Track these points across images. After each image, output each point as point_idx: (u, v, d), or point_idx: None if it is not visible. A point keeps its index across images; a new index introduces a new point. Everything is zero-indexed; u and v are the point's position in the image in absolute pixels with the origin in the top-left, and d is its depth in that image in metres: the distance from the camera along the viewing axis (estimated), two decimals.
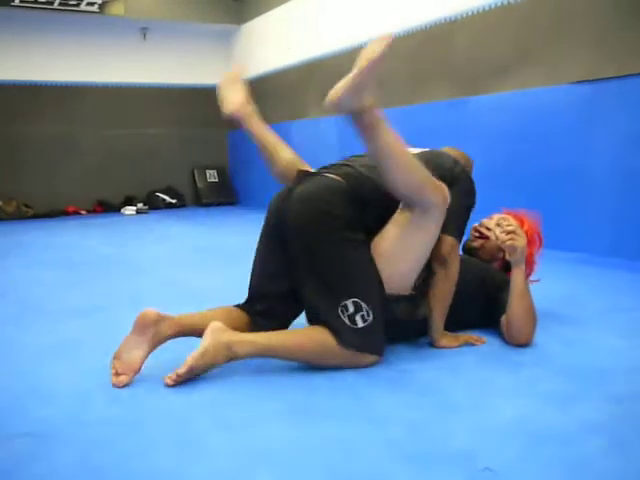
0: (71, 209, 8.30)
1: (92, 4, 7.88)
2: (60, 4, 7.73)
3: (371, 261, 2.02)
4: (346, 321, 1.94)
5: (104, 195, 8.63)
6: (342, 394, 1.80)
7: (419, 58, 5.52)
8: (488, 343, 2.24)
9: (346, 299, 1.94)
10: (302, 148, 8.39)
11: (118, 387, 1.87)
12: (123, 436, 1.56)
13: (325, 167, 2.21)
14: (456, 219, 2.16)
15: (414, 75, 5.57)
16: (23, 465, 1.42)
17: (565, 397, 1.74)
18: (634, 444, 1.45)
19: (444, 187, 1.99)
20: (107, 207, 8.53)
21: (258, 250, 2.27)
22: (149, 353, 1.96)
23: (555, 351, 2.15)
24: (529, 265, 2.49)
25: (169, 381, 1.87)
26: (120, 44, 8.70)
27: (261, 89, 8.50)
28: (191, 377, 1.89)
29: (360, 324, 1.95)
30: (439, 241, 2.09)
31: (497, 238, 2.44)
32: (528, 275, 2.53)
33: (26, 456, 1.46)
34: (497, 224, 2.52)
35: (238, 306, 2.24)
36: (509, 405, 1.69)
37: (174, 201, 8.90)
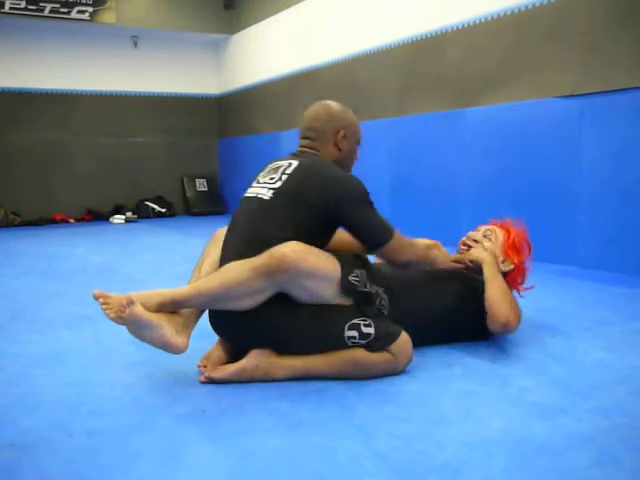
0: (59, 217, 8.26)
1: (83, 12, 7.88)
2: (51, 12, 7.72)
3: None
4: (363, 342, 1.98)
5: (93, 204, 8.59)
6: (329, 405, 1.80)
7: (409, 70, 5.55)
8: (476, 355, 2.24)
9: (344, 332, 1.98)
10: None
11: (204, 379, 1.98)
12: (109, 447, 1.55)
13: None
14: (373, 226, 2.11)
15: (404, 87, 5.60)
16: (9, 475, 1.41)
17: (553, 409, 1.74)
18: (622, 457, 1.45)
19: (271, 264, 1.89)
20: (96, 216, 8.50)
21: None
22: (231, 357, 2.09)
23: (543, 363, 2.15)
24: (520, 273, 2.54)
25: (202, 378, 1.99)
26: (111, 52, 8.69)
27: (251, 99, 8.53)
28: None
29: (372, 330, 1.99)
30: (388, 254, 2.14)
31: (486, 249, 2.49)
32: (520, 283, 2.57)
33: (12, 466, 1.45)
34: (484, 235, 2.57)
35: None
36: (497, 417, 1.69)
37: (163, 210, 8.88)
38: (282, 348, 2.03)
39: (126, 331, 2.65)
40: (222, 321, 2.09)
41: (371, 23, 6.05)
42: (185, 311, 2.00)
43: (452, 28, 5.03)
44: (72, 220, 8.32)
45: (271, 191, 2.15)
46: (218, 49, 9.36)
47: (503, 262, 2.50)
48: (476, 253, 2.44)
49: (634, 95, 3.69)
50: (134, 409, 1.80)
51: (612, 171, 3.84)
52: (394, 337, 2.01)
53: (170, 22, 8.52)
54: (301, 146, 2.32)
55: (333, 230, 2.20)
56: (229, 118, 9.25)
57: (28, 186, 8.22)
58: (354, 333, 1.98)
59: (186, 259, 4.82)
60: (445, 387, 1.94)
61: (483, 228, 2.62)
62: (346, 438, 1.58)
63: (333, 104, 2.33)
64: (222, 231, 2.34)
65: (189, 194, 9.20)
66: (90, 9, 7.91)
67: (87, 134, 8.63)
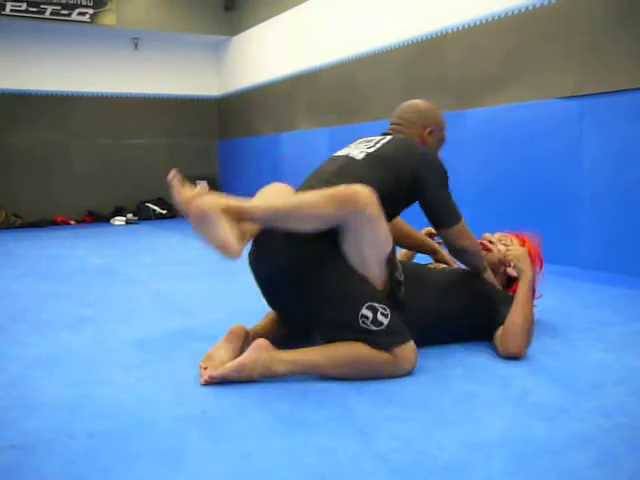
0: (60, 219, 8.26)
1: (83, 14, 7.89)
2: (51, 14, 7.73)
3: (352, 269, 2.05)
4: (372, 327, 1.97)
5: (94, 205, 8.59)
6: (330, 406, 1.79)
7: (410, 71, 5.55)
8: (477, 356, 2.24)
9: (360, 308, 1.98)
10: (292, 160, 8.40)
11: (205, 380, 1.95)
12: (109, 448, 1.55)
13: None
14: (447, 207, 2.28)
15: (405, 88, 5.60)
16: (8, 477, 1.41)
17: (553, 410, 1.74)
18: (622, 457, 1.45)
19: (346, 193, 1.93)
20: (97, 217, 8.50)
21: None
22: (233, 359, 2.04)
23: (544, 364, 2.15)
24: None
25: (202, 380, 1.96)
26: (111, 54, 8.70)
27: (251, 101, 8.53)
28: (223, 383, 1.95)
29: (385, 321, 1.98)
30: (450, 235, 2.27)
31: (499, 251, 2.53)
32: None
33: (12, 468, 1.45)
34: (499, 239, 2.60)
35: None
36: (498, 418, 1.69)
37: (164, 212, 8.87)
38: (302, 302, 2.05)
39: (126, 332, 2.66)
40: (263, 260, 2.13)
41: (371, 24, 6.05)
42: (243, 226, 1.98)
43: (452, 29, 5.03)
44: (73, 222, 8.33)
45: (363, 153, 2.29)
46: (218, 51, 9.37)
47: (513, 267, 2.46)
48: (523, 262, 2.33)
49: (635, 96, 3.69)
50: (135, 410, 1.79)
51: (613, 172, 3.84)
52: (403, 340, 2.00)
53: (170, 23, 8.53)
54: (392, 130, 2.53)
55: (405, 206, 2.35)
56: (229, 120, 9.25)
57: (29, 188, 8.23)
58: (369, 314, 1.97)
59: (186, 260, 4.83)
60: (446, 388, 1.94)
61: (498, 234, 2.63)
62: (346, 439, 1.58)
63: (427, 103, 2.59)
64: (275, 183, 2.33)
65: None
66: (91, 11, 7.92)
67: (87, 136, 8.64)
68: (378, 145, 2.33)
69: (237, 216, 1.91)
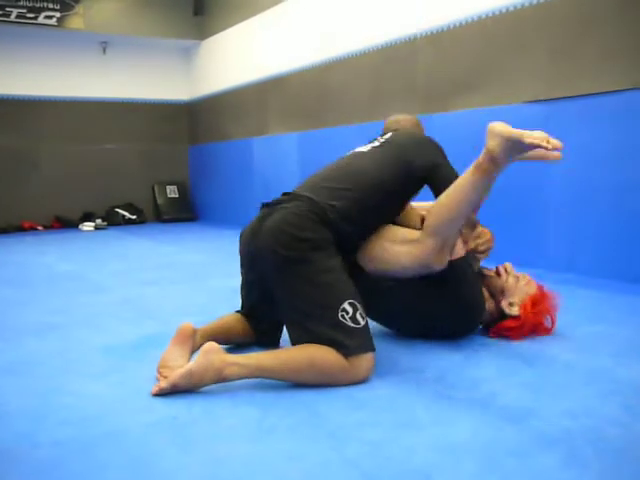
0: (28, 225, 8.14)
1: (50, 17, 7.80)
2: (17, 17, 7.62)
3: (343, 267, 2.12)
4: (349, 323, 1.98)
5: (62, 211, 8.48)
6: (300, 411, 1.79)
7: (379, 76, 5.58)
8: (447, 359, 2.25)
9: (343, 303, 2.00)
10: (264, 165, 8.39)
11: (155, 392, 1.91)
12: (75, 457, 1.52)
13: (287, 194, 2.29)
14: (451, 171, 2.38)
15: (374, 92, 5.63)
16: None
17: (522, 412, 1.75)
18: (589, 458, 1.47)
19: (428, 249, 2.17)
20: (65, 223, 8.39)
21: (242, 278, 2.37)
22: (189, 361, 2.05)
23: (512, 366, 2.17)
24: (518, 329, 2.47)
25: (153, 391, 1.91)
26: (79, 58, 8.62)
27: (221, 105, 8.51)
28: (175, 391, 1.90)
29: (362, 322, 2.01)
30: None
31: (506, 282, 2.51)
32: (513, 334, 2.48)
33: None
34: (516, 276, 2.54)
35: (243, 314, 2.37)
36: (467, 421, 1.70)
37: (134, 217, 8.80)
38: (287, 282, 2.06)
39: (94, 338, 2.63)
40: (255, 237, 2.16)
41: (341, 29, 6.07)
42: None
43: (421, 35, 5.07)
44: (40, 227, 8.21)
45: (370, 146, 2.48)
46: (188, 55, 9.33)
47: (511, 305, 2.46)
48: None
49: (599, 100, 3.76)
50: (102, 418, 1.77)
51: (580, 175, 3.89)
52: (368, 348, 2.00)
53: (139, 27, 8.46)
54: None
55: (414, 190, 2.44)
56: (200, 124, 9.21)
57: None
58: (350, 310, 1.99)
59: (155, 266, 4.78)
60: (416, 391, 1.95)
61: (521, 273, 2.57)
62: (317, 444, 1.57)
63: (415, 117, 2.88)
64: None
65: (160, 201, 9.14)
66: (58, 14, 7.83)
67: (55, 141, 8.53)
68: (382, 140, 2.49)
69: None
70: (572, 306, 3.06)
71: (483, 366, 2.18)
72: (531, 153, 2.19)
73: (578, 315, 2.89)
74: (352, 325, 1.98)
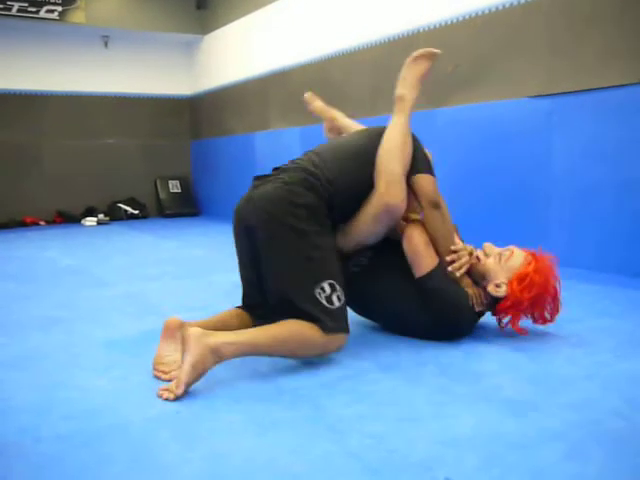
0: (30, 220, 8.14)
1: (52, 11, 7.78)
2: (18, 10, 7.61)
3: (333, 248, 2.21)
4: (324, 302, 2.05)
5: (64, 206, 8.48)
6: (302, 405, 1.79)
7: (382, 70, 5.56)
8: (449, 354, 2.26)
9: (322, 281, 2.08)
10: (266, 159, 8.37)
11: (168, 399, 1.85)
12: (78, 451, 1.53)
13: (282, 168, 2.41)
14: (425, 161, 2.50)
15: (377, 86, 5.61)
16: None
17: (525, 405, 1.76)
18: (591, 450, 1.47)
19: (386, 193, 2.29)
20: (67, 218, 8.39)
21: (238, 257, 2.38)
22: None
23: (514, 360, 2.17)
24: (514, 310, 2.35)
25: (164, 396, 1.85)
26: (81, 52, 8.59)
27: (224, 100, 8.50)
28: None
29: (337, 304, 2.08)
30: (420, 183, 2.44)
31: (484, 264, 2.39)
32: (511, 321, 2.39)
33: None
34: (497, 255, 2.40)
35: (242, 308, 2.37)
36: (469, 414, 1.70)
37: (136, 212, 8.80)
38: (275, 251, 2.14)
39: (97, 333, 2.64)
40: (249, 210, 2.25)
41: (343, 23, 6.06)
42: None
43: (423, 29, 5.06)
44: (43, 222, 8.21)
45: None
46: (190, 49, 9.31)
47: (497, 286, 2.34)
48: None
49: (601, 95, 3.75)
50: (105, 412, 1.77)
51: (581, 169, 3.89)
52: (342, 330, 2.10)
53: (141, 22, 8.44)
54: None
55: None
56: (202, 119, 9.20)
57: None
58: (328, 289, 2.08)
59: (158, 261, 4.79)
60: (418, 385, 1.95)
61: (500, 249, 2.44)
62: (319, 437, 1.58)
63: None
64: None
65: (162, 196, 9.13)
66: (59, 8, 7.82)
67: (57, 135, 8.52)
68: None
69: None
70: (574, 300, 3.06)
71: (485, 360, 2.18)
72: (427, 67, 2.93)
73: (580, 309, 2.89)
74: (326, 304, 2.06)
